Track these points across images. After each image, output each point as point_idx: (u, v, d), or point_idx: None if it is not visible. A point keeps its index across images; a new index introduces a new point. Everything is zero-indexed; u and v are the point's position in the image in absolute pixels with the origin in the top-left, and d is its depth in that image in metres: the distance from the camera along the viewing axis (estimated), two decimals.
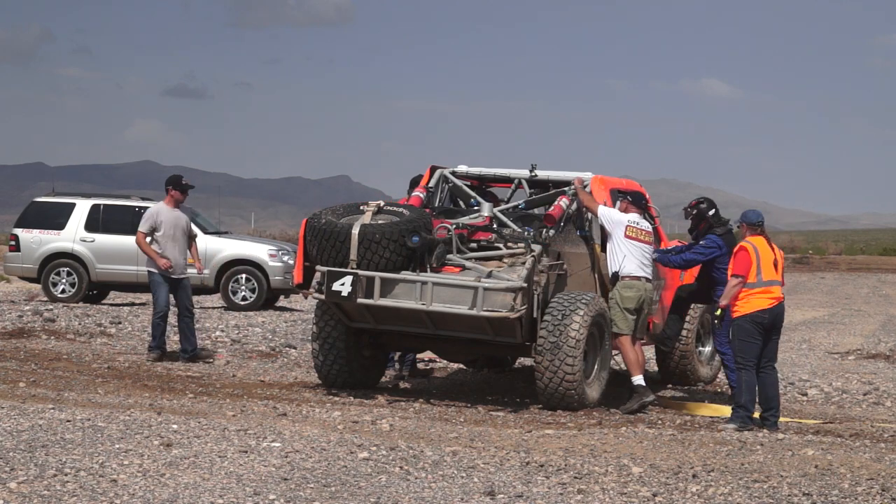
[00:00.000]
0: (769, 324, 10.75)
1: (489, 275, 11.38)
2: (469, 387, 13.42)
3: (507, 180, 13.19)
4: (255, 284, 21.70)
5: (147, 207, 19.00)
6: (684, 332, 13.60)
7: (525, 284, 11.25)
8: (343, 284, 11.43)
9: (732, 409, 10.88)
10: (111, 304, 21.78)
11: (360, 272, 11.44)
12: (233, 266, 21.80)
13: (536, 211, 12.74)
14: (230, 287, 21.70)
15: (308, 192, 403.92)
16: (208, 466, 7.82)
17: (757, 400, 10.83)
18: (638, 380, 11.67)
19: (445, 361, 14.60)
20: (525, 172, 12.94)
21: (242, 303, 21.65)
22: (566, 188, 12.46)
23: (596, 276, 12.16)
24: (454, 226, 12.00)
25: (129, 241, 19.49)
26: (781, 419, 11.15)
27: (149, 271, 14.21)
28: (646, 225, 12.04)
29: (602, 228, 12.07)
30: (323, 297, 11.60)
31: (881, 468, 8.42)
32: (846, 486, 7.85)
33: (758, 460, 8.68)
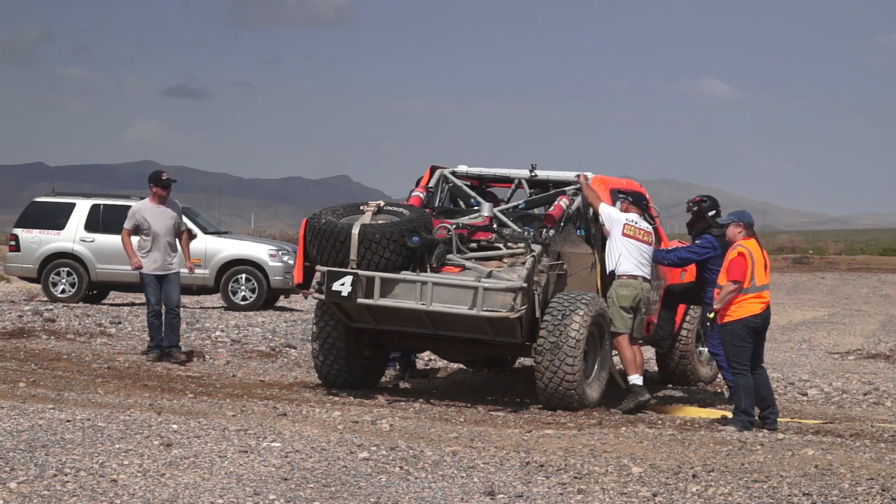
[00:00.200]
0: (760, 328, 10.76)
1: (489, 275, 11.38)
2: (469, 387, 13.42)
3: (507, 180, 13.19)
4: (255, 284, 21.70)
5: None
6: (684, 332, 13.60)
7: (525, 284, 11.25)
8: (343, 284, 11.43)
9: (733, 412, 10.87)
10: (111, 304, 21.77)
11: (360, 272, 11.44)
12: (233, 266, 21.80)
13: (536, 211, 12.73)
14: (230, 287, 21.70)
15: (308, 192, 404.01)
16: (208, 466, 7.82)
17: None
18: (634, 379, 11.67)
19: (445, 361, 14.59)
20: (525, 172, 12.95)
21: (242, 303, 21.66)
22: (566, 188, 12.46)
23: (597, 276, 12.16)
24: (454, 226, 12.00)
25: None
26: (781, 419, 11.15)
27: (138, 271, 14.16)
28: (645, 225, 12.03)
29: (602, 227, 12.09)
30: (323, 297, 11.60)
31: (881, 468, 8.42)
32: (846, 486, 7.85)
33: (758, 460, 8.68)
